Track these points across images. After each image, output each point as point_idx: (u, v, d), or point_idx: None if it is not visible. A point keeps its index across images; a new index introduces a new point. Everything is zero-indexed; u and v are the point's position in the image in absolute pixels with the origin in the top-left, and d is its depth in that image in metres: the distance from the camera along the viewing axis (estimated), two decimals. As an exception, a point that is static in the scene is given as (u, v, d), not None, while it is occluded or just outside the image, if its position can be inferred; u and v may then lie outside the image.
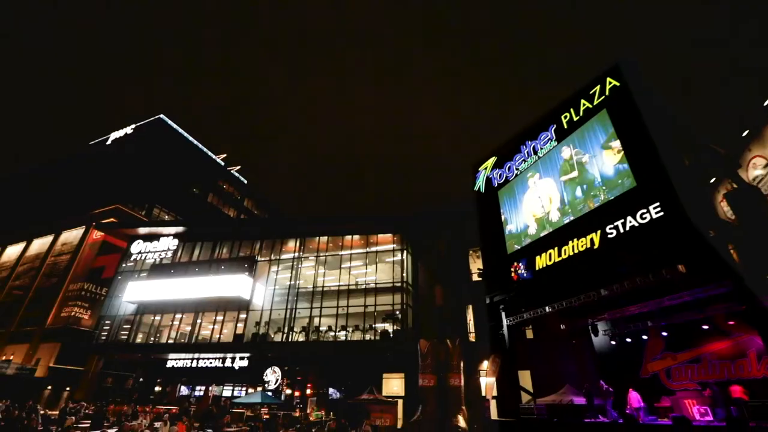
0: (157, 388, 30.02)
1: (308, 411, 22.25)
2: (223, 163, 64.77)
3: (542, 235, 15.30)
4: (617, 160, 12.90)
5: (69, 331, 34.69)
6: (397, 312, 24.33)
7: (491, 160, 19.77)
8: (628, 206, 11.94)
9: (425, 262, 25.48)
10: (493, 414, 19.74)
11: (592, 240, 12.82)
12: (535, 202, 16.13)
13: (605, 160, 13.39)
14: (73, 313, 35.85)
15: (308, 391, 24.83)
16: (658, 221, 10.92)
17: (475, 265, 25.46)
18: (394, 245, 26.75)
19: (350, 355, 24.18)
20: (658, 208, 11.01)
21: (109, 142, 59.55)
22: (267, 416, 18.64)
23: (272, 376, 25.37)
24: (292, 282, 27.39)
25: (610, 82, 14.07)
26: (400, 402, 22.46)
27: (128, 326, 29.74)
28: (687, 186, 10.98)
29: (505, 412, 19.41)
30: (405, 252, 26.26)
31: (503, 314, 17.35)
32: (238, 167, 67.09)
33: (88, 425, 12.68)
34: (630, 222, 11.68)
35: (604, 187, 13.11)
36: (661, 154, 11.54)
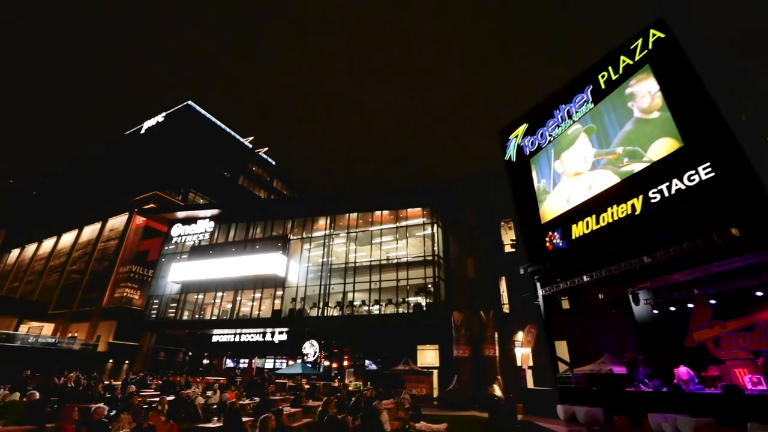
0: (205, 361, 32.08)
1: (346, 381, 23.16)
2: (251, 146, 65.89)
3: (579, 203, 14.69)
4: (662, 120, 12.02)
5: (123, 310, 37.42)
6: (430, 285, 24.47)
7: (522, 128, 18.95)
8: (673, 168, 11.18)
9: (456, 235, 25.25)
10: (530, 383, 19.86)
11: (633, 206, 12.19)
12: (571, 169, 15.43)
13: (648, 119, 12.51)
14: (125, 294, 38.54)
15: (345, 363, 25.77)
16: (708, 183, 10.19)
17: (507, 236, 25.01)
18: (424, 219, 26.63)
19: (384, 328, 24.74)
20: (709, 169, 10.25)
21: (143, 131, 61.74)
22: (308, 386, 19.54)
23: (310, 349, 26.47)
24: (325, 259, 28.01)
25: (654, 35, 12.93)
26: (435, 372, 22.94)
27: (174, 305, 31.67)
28: (742, 144, 10.11)
29: (542, 382, 19.54)
30: (435, 225, 26.11)
31: (538, 285, 17.08)
32: (266, 149, 68.10)
33: (149, 394, 13.86)
34: (676, 185, 10.97)
35: (646, 150, 12.31)
36: (712, 110, 10.63)
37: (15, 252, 59.09)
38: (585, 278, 14.20)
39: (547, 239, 16.10)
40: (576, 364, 16.29)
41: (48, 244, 53.45)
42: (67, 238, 50.72)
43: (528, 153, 18.26)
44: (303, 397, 14.43)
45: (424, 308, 23.95)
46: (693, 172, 10.60)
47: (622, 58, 13.98)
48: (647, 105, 12.59)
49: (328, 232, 28.95)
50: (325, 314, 25.95)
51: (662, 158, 11.66)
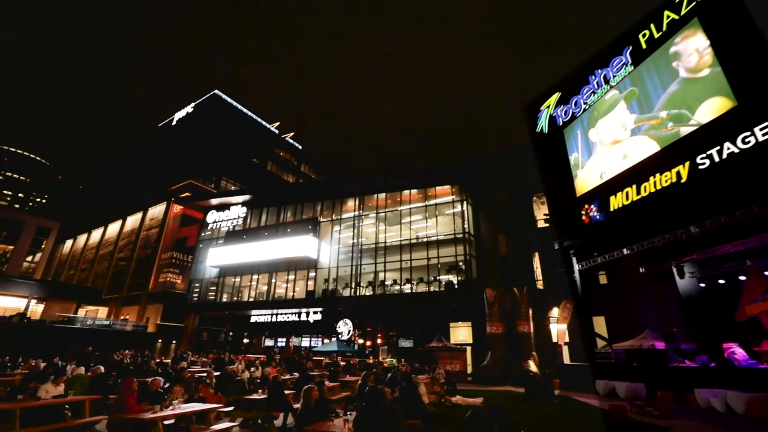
0: (245, 341, 33.67)
1: (380, 358, 23.69)
2: (277, 131, 66.76)
3: (617, 173, 13.98)
4: (712, 77, 11.10)
5: (167, 293, 39.66)
6: (461, 263, 24.33)
7: (554, 97, 18.07)
8: (725, 130, 10.36)
9: (486, 212, 24.82)
10: (566, 359, 19.60)
11: (678, 173, 11.47)
12: (608, 137, 14.65)
13: (696, 79, 11.59)
14: (168, 279, 40.76)
15: (379, 341, 26.32)
16: (766, 144, 9.40)
17: (540, 211, 24.31)
18: (453, 197, 26.29)
19: (416, 306, 24.96)
20: (767, 129, 9.43)
21: (174, 122, 63.76)
22: (343, 363, 20.14)
23: (344, 327, 27.18)
24: (355, 240, 28.35)
25: (704, -16, 11.82)
26: (468, 349, 23.04)
27: (214, 288, 33.20)
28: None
29: (579, 357, 19.22)
30: (465, 203, 25.74)
31: (574, 260, 16.59)
32: (292, 134, 68.81)
33: (196, 369, 14.77)
34: (728, 149, 10.18)
35: (693, 112, 11.46)
36: (771, 63, 9.70)
37: (68, 243, 63.41)
38: (625, 251, 13.63)
39: (582, 212, 15.52)
40: (615, 340, 15.88)
41: (96, 234, 56.95)
42: (113, 228, 53.80)
43: (561, 123, 17.47)
44: (339, 373, 14.90)
45: (456, 286, 23.91)
46: (748, 133, 9.79)
47: (666, 13, 12.92)
48: (695, 63, 11.64)
49: (357, 213, 29.18)
50: (358, 294, 26.45)
51: (712, 120, 10.83)
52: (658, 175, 12.14)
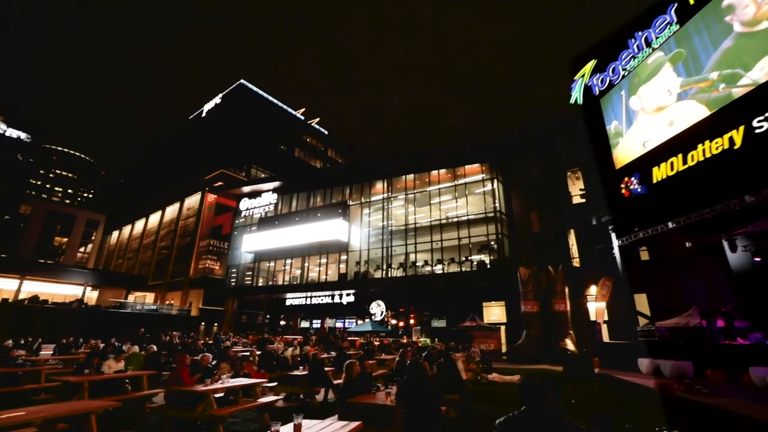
0: (282, 322, 34.94)
1: (414, 338, 23.97)
2: (302, 117, 67.25)
3: (660, 142, 13.16)
4: (772, 31, 10.09)
5: (207, 279, 41.56)
6: (492, 242, 23.97)
7: (590, 65, 17.07)
8: (788, 89, 9.46)
9: (518, 189, 24.16)
10: (605, 338, 19.11)
11: (731, 139, 10.65)
12: (650, 104, 13.75)
13: (753, 33, 10.58)
14: (207, 265, 42.65)
15: (411, 321, 26.59)
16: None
17: (575, 186, 23.41)
18: (483, 175, 25.72)
19: (448, 286, 24.91)
20: (838, 84, 8.53)
21: (204, 114, 65.45)
22: (377, 343, 20.51)
23: (377, 308, 27.59)
24: (384, 222, 28.44)
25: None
26: (502, 328, 22.88)
27: (250, 273, 34.45)
28: None
29: (619, 336, 18.67)
30: (495, 181, 25.15)
31: (613, 235, 15.94)
32: (317, 119, 69.13)
33: (238, 349, 15.53)
34: (791, 108, 9.32)
35: (749, 70, 10.51)
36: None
37: (115, 234, 67.35)
38: (670, 225, 12.95)
39: (622, 186, 14.80)
40: (658, 318, 15.27)
41: (139, 225, 60.11)
42: (154, 219, 56.54)
43: (597, 93, 16.54)
44: (375, 351, 15.20)
45: (488, 265, 23.63)
46: (815, 89, 8.90)
47: (718, -38, 11.78)
48: (752, 15, 10.61)
49: (386, 195, 29.17)
50: (389, 275, 26.68)
51: (772, 78, 9.91)
52: (707, 142, 11.33)
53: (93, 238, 57.99)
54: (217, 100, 63.81)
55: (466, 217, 25.23)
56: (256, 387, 7.09)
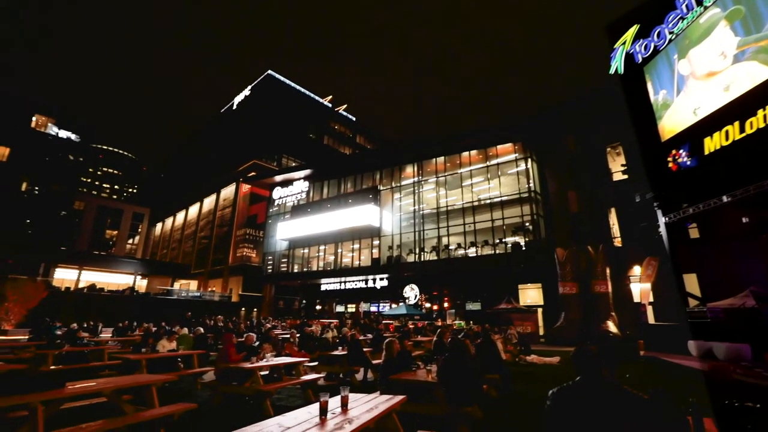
0: (317, 307, 35.88)
1: (449, 321, 23.95)
2: (330, 105, 67.48)
3: (713, 110, 12.18)
4: None
5: (245, 267, 43.22)
6: (527, 223, 23.35)
7: (631, 30, 15.93)
8: None
9: (554, 168, 23.28)
10: (651, 320, 18.32)
11: (797, 102, 9.69)
12: (702, 68, 12.71)
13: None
14: (244, 253, 44.30)
15: (446, 305, 26.55)
16: None
17: (616, 162, 22.26)
18: (516, 155, 24.93)
19: (482, 269, 24.60)
20: None
21: (234, 106, 67.06)
22: (411, 326, 20.66)
23: (411, 292, 27.74)
24: (416, 206, 28.31)
25: None
26: (539, 311, 22.43)
27: (285, 260, 35.47)
28: None
29: (665, 318, 17.82)
30: (529, 160, 24.33)
31: (659, 212, 15.07)
32: (345, 106, 69.17)
33: (278, 332, 16.19)
34: None
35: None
36: None
37: (159, 226, 71.08)
38: (725, 199, 12.08)
39: (669, 159, 13.90)
40: (709, 299, 14.41)
41: (180, 217, 63.06)
42: (193, 210, 59.10)
43: (640, 60, 15.46)
44: (411, 333, 15.33)
45: (523, 247, 23.09)
46: None
47: None
48: (825, -40, 9.48)
49: (416, 179, 28.95)
50: (422, 259, 26.67)
51: None
52: (768, 106, 10.38)
53: (139, 230, 61.52)
54: (246, 92, 65.12)
55: (499, 199, 24.66)
56: (299, 366, 7.34)
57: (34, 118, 42.21)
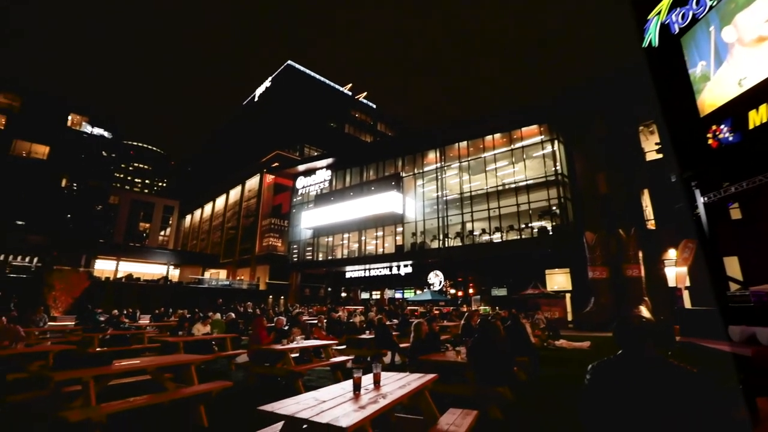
0: (343, 294, 36.45)
1: (474, 306, 23.82)
2: (350, 93, 67.27)
3: (760, 80, 11.34)
4: None
5: (271, 256, 44.23)
6: (554, 207, 22.74)
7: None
8: None
9: (582, 149, 22.49)
10: (687, 305, 17.61)
11: None
12: (749, 34, 11.81)
13: None
14: (270, 242, 45.29)
15: (471, 291, 26.40)
16: None
17: (649, 141, 21.27)
18: (542, 137, 24.18)
19: (508, 255, 24.23)
20: None
21: (256, 98, 67.89)
22: (437, 312, 20.67)
23: (435, 278, 27.70)
24: (439, 192, 28.05)
25: None
26: (567, 296, 21.98)
27: (310, 248, 36.05)
28: None
29: (702, 303, 17.07)
30: (556, 142, 23.55)
31: (697, 192, 14.30)
32: (365, 93, 68.81)
33: (307, 318, 16.62)
34: None
35: None
36: None
37: (188, 218, 73.55)
38: (772, 175, 11.29)
39: (709, 135, 13.07)
40: (752, 283, 13.66)
41: (208, 209, 64.98)
42: (220, 202, 60.73)
43: (677, 31, 14.46)
44: (436, 318, 15.33)
45: (550, 232, 22.56)
46: None
47: None
48: None
49: (439, 165, 28.61)
50: (446, 245, 26.52)
51: None
52: (825, 72, 9.57)
53: (170, 222, 63.78)
54: (267, 83, 65.73)
55: (524, 183, 24.07)
56: (328, 348, 7.50)
57: (69, 117, 44.03)
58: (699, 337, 13.24)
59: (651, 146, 20.79)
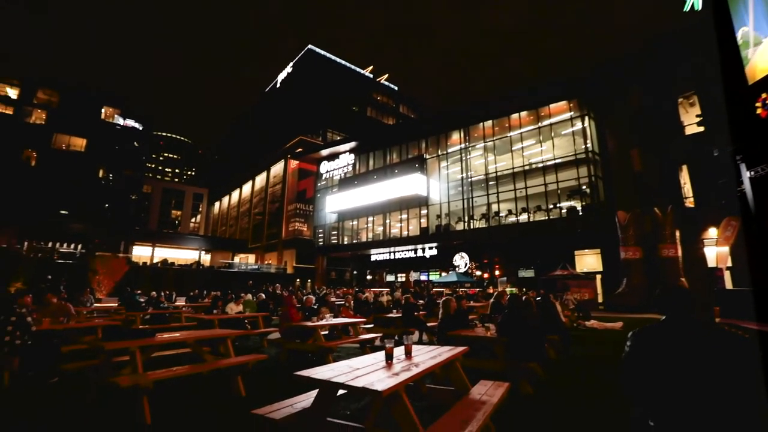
0: (368, 277, 36.90)
1: (501, 288, 23.62)
2: (371, 75, 66.56)
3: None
4: None
5: (297, 240, 45.11)
6: (584, 186, 22.00)
7: (714, -43, 13.80)
8: None
9: (614, 125, 21.47)
10: (728, 285, 16.79)
11: None
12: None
13: None
14: (296, 227, 46.13)
15: (497, 272, 26.13)
16: None
17: (689, 114, 20.07)
18: (571, 113, 23.24)
19: (535, 236, 23.75)
20: None
21: (278, 84, 68.24)
22: (463, 292, 20.61)
23: (461, 260, 27.57)
24: (464, 173, 27.62)
25: None
26: (598, 277, 21.42)
27: (335, 232, 36.51)
28: None
29: (745, 283, 16.24)
30: (586, 118, 22.59)
31: (742, 167, 13.41)
32: (386, 75, 67.93)
33: (334, 299, 17.07)
34: None
35: None
36: None
37: (216, 204, 75.83)
38: (828, 144, 10.44)
39: (758, 104, 12.09)
40: (802, 260, 12.84)
41: (235, 195, 66.67)
42: (246, 188, 62.12)
43: (724, -10, 13.42)
44: (463, 298, 15.31)
45: (580, 212, 21.89)
46: None
47: None
48: None
49: (463, 145, 28.09)
50: (471, 227, 26.24)
51: None
52: None
53: (200, 209, 66.01)
54: (288, 69, 65.85)
55: (552, 162, 23.33)
56: (357, 326, 7.64)
57: (103, 110, 45.77)
58: (741, 319, 12.69)
59: (691, 119, 19.61)
